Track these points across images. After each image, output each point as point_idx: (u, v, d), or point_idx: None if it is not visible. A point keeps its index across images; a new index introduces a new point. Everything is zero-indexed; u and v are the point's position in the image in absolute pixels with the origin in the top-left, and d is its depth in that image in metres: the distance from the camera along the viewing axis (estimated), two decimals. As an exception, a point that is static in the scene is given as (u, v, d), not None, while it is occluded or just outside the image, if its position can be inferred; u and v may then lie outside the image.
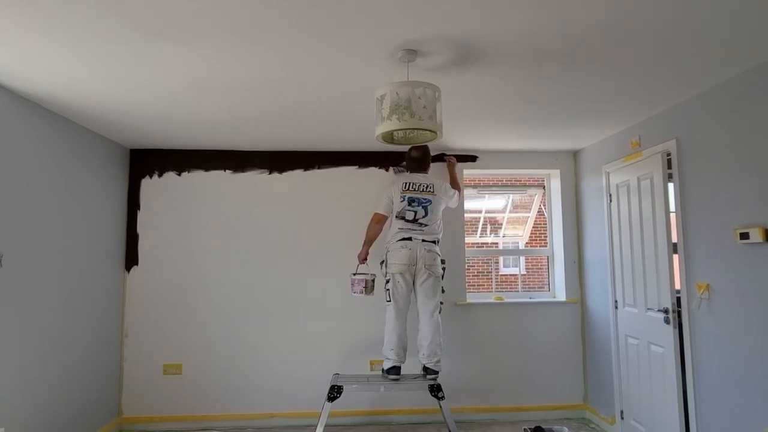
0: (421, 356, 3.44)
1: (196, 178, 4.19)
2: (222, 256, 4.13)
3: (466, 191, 4.44)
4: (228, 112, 3.21)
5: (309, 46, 2.22)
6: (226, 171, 4.21)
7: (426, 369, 3.43)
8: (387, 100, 2.20)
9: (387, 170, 4.29)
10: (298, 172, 4.25)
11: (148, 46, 2.20)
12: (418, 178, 3.58)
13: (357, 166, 4.28)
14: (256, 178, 4.22)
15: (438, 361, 3.41)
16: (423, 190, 3.53)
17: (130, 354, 4.02)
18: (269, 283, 4.13)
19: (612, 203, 3.81)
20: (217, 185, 4.19)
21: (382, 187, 3.91)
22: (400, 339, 3.42)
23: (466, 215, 4.41)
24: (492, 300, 4.35)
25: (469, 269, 9.52)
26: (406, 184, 3.55)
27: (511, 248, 10.04)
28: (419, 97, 2.17)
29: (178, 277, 4.09)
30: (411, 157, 3.66)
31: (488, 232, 9.90)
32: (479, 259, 9.85)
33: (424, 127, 2.18)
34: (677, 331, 3.07)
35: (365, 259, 3.62)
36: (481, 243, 9.72)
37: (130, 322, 4.04)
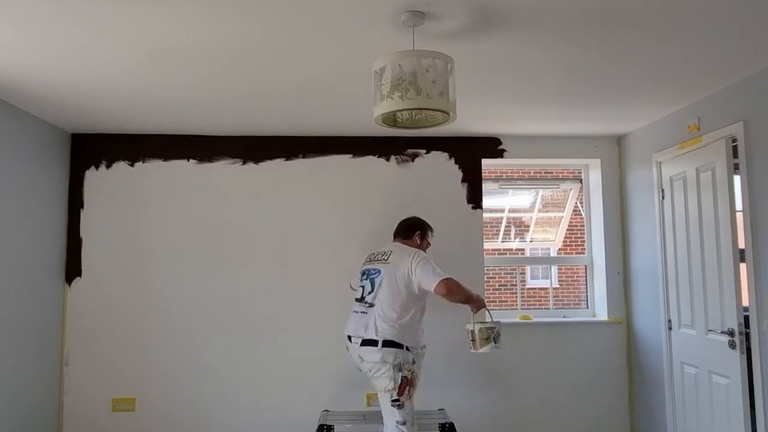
0: None
1: (153, 169, 4.18)
2: (185, 266, 4.12)
3: (486, 185, 4.44)
4: (192, 89, 3.19)
5: (291, 4, 2.21)
6: (190, 161, 4.21)
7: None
8: (388, 73, 2.19)
9: (388, 160, 4.29)
10: (279, 162, 4.24)
11: (87, 2, 2.19)
12: (387, 245, 3.42)
13: (351, 155, 4.28)
14: (226, 169, 4.21)
15: None
16: (377, 259, 3.29)
17: (72, 386, 4.01)
18: (242, 299, 4.13)
19: (665, 200, 3.80)
20: (179, 178, 4.18)
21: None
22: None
23: (485, 215, 4.41)
24: (517, 319, 4.35)
25: (488, 282, 9.54)
26: (370, 254, 3.40)
27: (540, 256, 10.04)
28: (427, 70, 2.16)
29: (130, 292, 4.08)
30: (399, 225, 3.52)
31: (512, 236, 9.90)
32: (501, 269, 9.86)
33: (432, 107, 2.18)
34: (745, 357, 3.06)
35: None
36: (504, 249, 9.72)
37: (71, 346, 4.03)
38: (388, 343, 3.03)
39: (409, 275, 3.12)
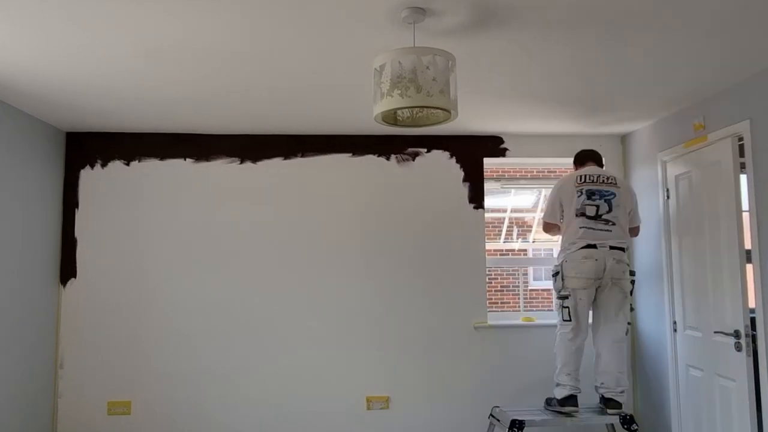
0: (600, 386, 3.57)
1: (149, 168, 4.19)
2: (182, 267, 4.13)
3: (488, 185, 4.44)
4: (189, 87, 3.20)
5: (289, 1, 2.21)
6: (187, 160, 4.22)
7: (607, 401, 3.53)
8: (387, 71, 2.20)
9: (388, 159, 4.29)
10: (277, 161, 4.25)
11: (87, 2, 2.20)
12: (594, 169, 3.73)
13: (351, 154, 4.29)
14: (224, 168, 4.22)
15: (623, 392, 3.53)
16: (603, 182, 3.64)
17: (67, 389, 4.02)
18: (240, 300, 4.13)
19: (669, 200, 3.81)
20: (176, 177, 4.19)
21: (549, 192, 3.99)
22: (578, 361, 3.56)
23: (487, 215, 4.42)
24: (519, 321, 4.36)
25: (490, 283, 9.54)
26: (580, 177, 3.67)
27: (543, 257, 10.03)
28: (427, 67, 2.17)
29: (126, 293, 4.09)
30: (580, 151, 3.91)
31: (515, 237, 9.90)
32: (503, 270, 9.86)
33: (433, 105, 2.18)
34: (752, 360, 3.06)
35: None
36: (506, 250, 9.72)
37: (66, 349, 4.04)
38: (625, 251, 3.58)
39: (634, 203, 3.72)
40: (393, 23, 2.37)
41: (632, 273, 3.66)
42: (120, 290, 4.09)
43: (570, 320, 3.54)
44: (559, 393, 3.55)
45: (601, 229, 3.54)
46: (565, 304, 3.57)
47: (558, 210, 3.70)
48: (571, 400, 3.51)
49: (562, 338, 3.59)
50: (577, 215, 3.60)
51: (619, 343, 3.54)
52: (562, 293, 3.58)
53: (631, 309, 3.71)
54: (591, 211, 3.57)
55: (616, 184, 3.65)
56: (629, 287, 3.59)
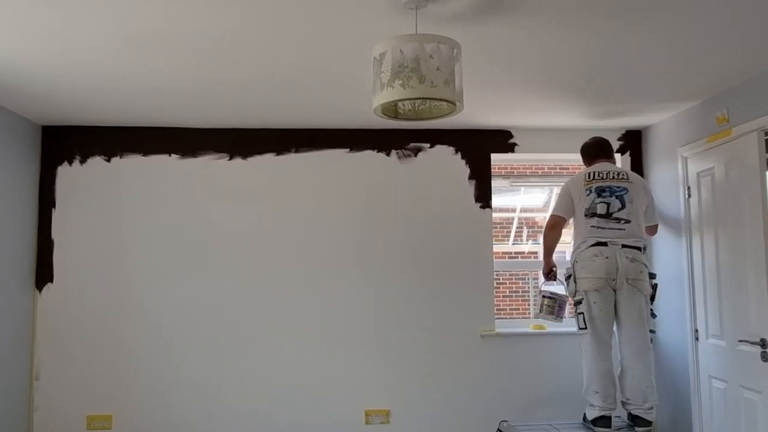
0: (626, 401, 3.57)
1: (132, 164, 4.19)
2: (167, 271, 4.13)
3: (495, 182, 4.45)
4: (174, 77, 3.20)
5: (283, -13, 2.21)
6: (173, 155, 4.21)
7: (635, 418, 3.53)
8: (388, 60, 2.19)
9: (388, 155, 4.29)
10: (269, 157, 4.25)
11: (66, -13, 2.20)
12: (603, 165, 3.75)
13: (348, 149, 4.29)
14: (212, 164, 4.22)
15: (651, 409, 3.52)
16: (614, 177, 3.66)
17: (43, 402, 4.01)
18: (229, 306, 4.13)
19: (691, 199, 3.81)
20: (161, 174, 4.19)
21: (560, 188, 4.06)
22: (606, 378, 3.53)
23: (494, 215, 4.41)
24: (529, 329, 4.36)
25: (498, 288, 9.53)
26: (589, 174, 3.71)
27: (554, 259, 10.02)
28: (431, 56, 2.17)
29: (106, 299, 4.09)
30: (588, 144, 3.92)
31: (524, 238, 9.90)
32: (512, 274, 9.86)
33: (437, 97, 2.18)
34: (779, 371, 3.06)
35: (549, 272, 3.87)
36: (515, 252, 9.72)
37: (42, 359, 4.04)
38: (644, 251, 3.59)
39: (649, 199, 3.74)
40: (394, 8, 2.37)
41: (652, 275, 3.64)
42: (100, 296, 4.08)
43: (585, 327, 3.54)
44: (590, 413, 3.56)
45: (613, 228, 3.55)
46: (579, 310, 3.59)
47: (570, 204, 3.71)
48: (602, 421, 3.50)
49: (584, 350, 3.60)
50: (587, 215, 3.62)
51: (642, 352, 3.52)
52: (576, 297, 3.59)
53: (653, 316, 3.68)
54: (602, 209, 3.59)
55: (627, 179, 3.67)
56: (648, 290, 3.57)
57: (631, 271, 3.48)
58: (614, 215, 3.57)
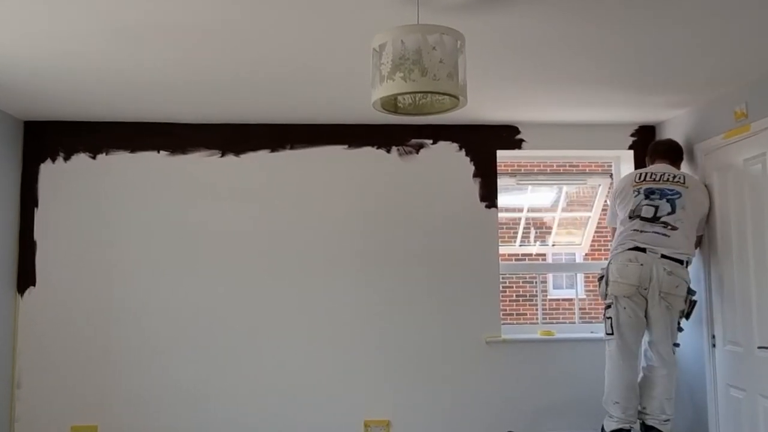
0: (642, 410, 3.57)
1: (118, 161, 4.18)
2: (155, 274, 4.13)
3: (502, 180, 4.45)
4: (163, 70, 3.20)
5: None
6: (161, 152, 4.21)
7: (649, 428, 3.54)
8: (388, 51, 2.19)
9: (388, 152, 4.29)
10: (263, 154, 4.25)
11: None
12: (660, 167, 3.73)
13: (346, 146, 4.29)
14: (202, 162, 4.22)
15: (667, 421, 3.52)
16: (668, 180, 3.60)
17: (25, 412, 4.01)
18: (221, 310, 4.13)
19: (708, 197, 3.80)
20: (148, 172, 4.19)
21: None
22: (628, 389, 3.52)
23: (500, 215, 4.42)
24: (537, 335, 4.36)
25: (504, 291, 9.54)
26: (640, 175, 3.71)
27: (564, 262, 10.03)
28: (434, 48, 2.16)
29: (92, 303, 4.08)
30: (655, 143, 3.96)
31: (532, 239, 9.91)
32: (519, 277, 9.87)
33: (440, 90, 2.17)
34: (800, 379, 3.06)
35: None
36: (523, 254, 9.72)
37: (23, 366, 4.03)
38: (687, 265, 3.52)
39: (707, 208, 3.64)
40: (394, -3, 2.36)
41: (691, 291, 3.56)
42: (85, 300, 4.08)
43: (612, 333, 3.52)
44: (607, 425, 3.56)
45: (657, 233, 3.50)
46: (608, 314, 3.58)
47: (616, 213, 3.72)
48: None
49: (609, 357, 3.59)
50: (631, 217, 3.59)
51: (666, 366, 3.53)
52: (606, 301, 3.59)
53: (680, 329, 3.61)
54: (648, 212, 3.54)
55: (683, 182, 3.59)
56: (681, 306, 3.51)
57: (666, 284, 3.43)
58: (662, 219, 3.51)
